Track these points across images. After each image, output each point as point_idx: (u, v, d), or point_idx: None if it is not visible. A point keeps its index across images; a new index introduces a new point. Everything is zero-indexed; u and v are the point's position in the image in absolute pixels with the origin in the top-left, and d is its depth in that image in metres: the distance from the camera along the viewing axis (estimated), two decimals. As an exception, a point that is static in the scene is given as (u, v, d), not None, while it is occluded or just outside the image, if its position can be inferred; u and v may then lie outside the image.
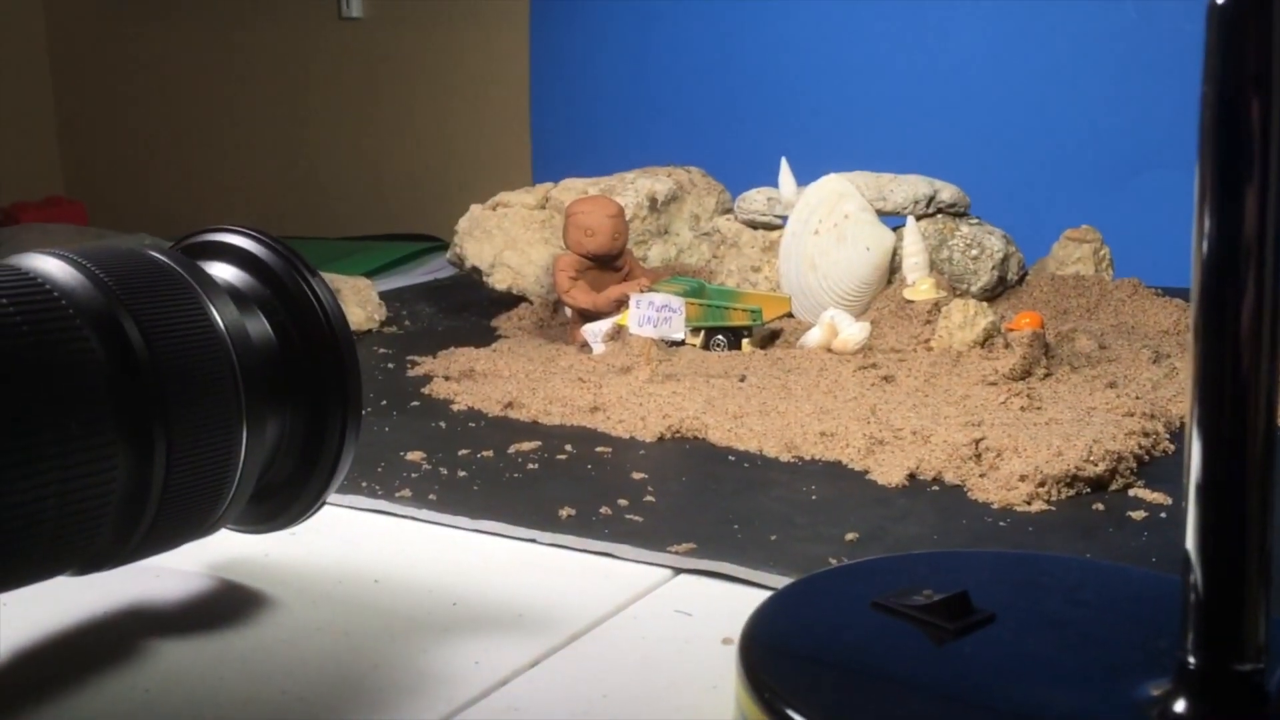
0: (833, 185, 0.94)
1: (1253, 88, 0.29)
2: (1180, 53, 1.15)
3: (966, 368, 0.78)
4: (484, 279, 1.03)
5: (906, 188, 0.96)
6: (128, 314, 0.37)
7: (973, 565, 0.41)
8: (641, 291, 0.85)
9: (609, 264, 0.91)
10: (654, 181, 1.05)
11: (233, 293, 0.43)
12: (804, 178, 0.96)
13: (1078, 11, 1.20)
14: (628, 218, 1.00)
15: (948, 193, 0.97)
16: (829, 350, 0.83)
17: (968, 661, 0.34)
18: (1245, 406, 0.30)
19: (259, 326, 0.43)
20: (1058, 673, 0.33)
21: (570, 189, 1.05)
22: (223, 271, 0.45)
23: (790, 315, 0.92)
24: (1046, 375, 0.77)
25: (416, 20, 1.68)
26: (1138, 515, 0.54)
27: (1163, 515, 0.55)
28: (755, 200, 0.98)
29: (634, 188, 1.04)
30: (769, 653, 0.35)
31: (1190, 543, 0.31)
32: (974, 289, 0.95)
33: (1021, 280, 0.98)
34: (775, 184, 0.97)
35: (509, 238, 1.03)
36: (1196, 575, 0.30)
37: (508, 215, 1.04)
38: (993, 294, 0.96)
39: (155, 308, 0.38)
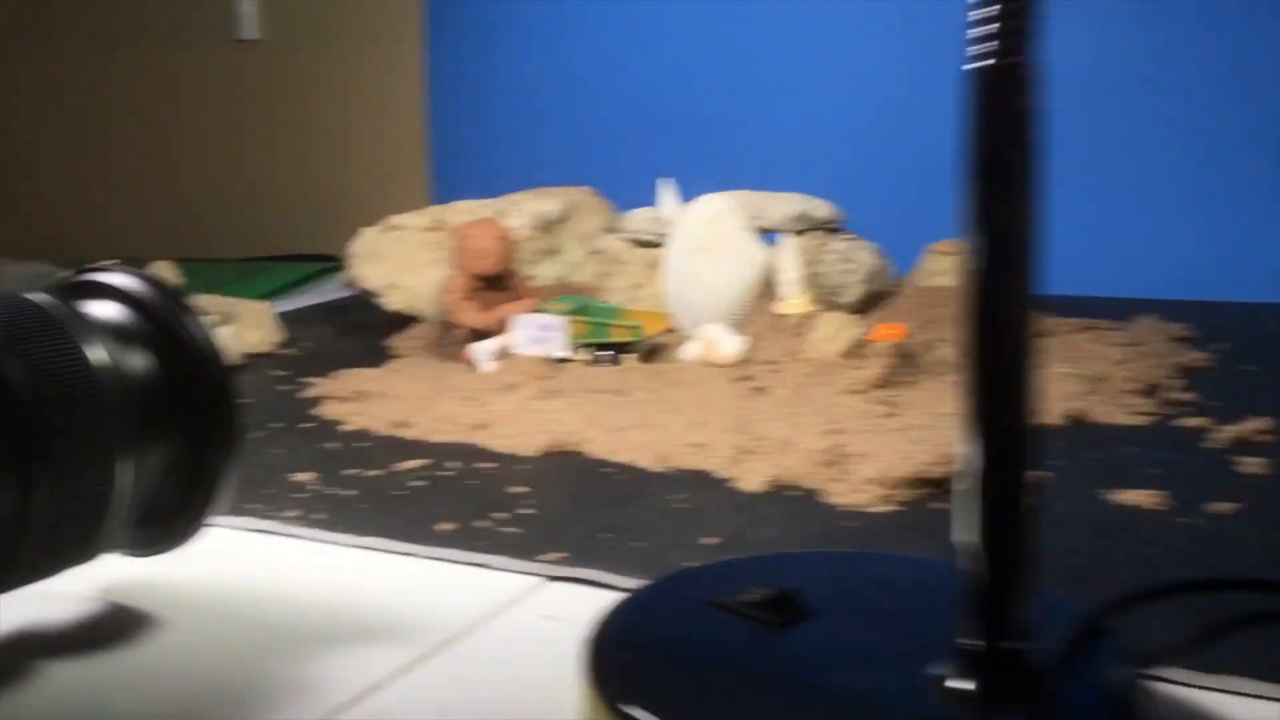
0: (713, 204, 0.98)
1: (1003, 143, 0.33)
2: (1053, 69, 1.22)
3: (834, 377, 0.82)
4: (378, 300, 1.05)
5: (783, 206, 1.01)
6: (13, 356, 0.39)
7: (805, 565, 0.45)
8: (527, 311, 0.89)
9: (498, 284, 0.94)
10: (543, 203, 1.09)
11: (114, 330, 0.45)
12: (688, 196, 1.00)
13: (946, 34, 1.25)
14: (518, 238, 1.03)
15: (822, 210, 1.02)
16: (707, 363, 0.87)
17: (786, 651, 0.37)
18: (1008, 416, 0.34)
19: (139, 362, 0.45)
20: (863, 658, 0.37)
21: (461, 211, 1.08)
22: (105, 309, 0.47)
23: (672, 330, 0.96)
24: (908, 383, 0.82)
25: (313, 42, 1.69)
26: (975, 513, 0.59)
27: (997, 512, 0.59)
28: (639, 220, 1.02)
29: (524, 209, 1.07)
30: (609, 649, 0.38)
31: (959, 535, 0.35)
32: (847, 300, 1.00)
33: (893, 292, 1.03)
34: (670, 201, 1.01)
35: (402, 259, 1.05)
36: (967, 565, 0.34)
37: (400, 237, 1.07)
38: (866, 305, 1.01)
39: (37, 349, 0.40)
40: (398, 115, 1.62)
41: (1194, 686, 0.40)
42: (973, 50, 0.33)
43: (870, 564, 0.44)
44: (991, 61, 0.32)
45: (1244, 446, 0.68)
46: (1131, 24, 1.18)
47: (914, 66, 1.28)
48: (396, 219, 1.09)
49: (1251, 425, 0.70)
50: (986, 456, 0.34)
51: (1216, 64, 1.15)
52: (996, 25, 0.32)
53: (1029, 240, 0.34)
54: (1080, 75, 1.18)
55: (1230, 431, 0.70)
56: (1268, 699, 0.40)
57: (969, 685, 0.34)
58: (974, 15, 0.33)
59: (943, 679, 0.34)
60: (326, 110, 1.71)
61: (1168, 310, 1.02)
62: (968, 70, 0.33)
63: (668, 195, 1.01)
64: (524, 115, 1.49)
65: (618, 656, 0.38)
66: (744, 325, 0.94)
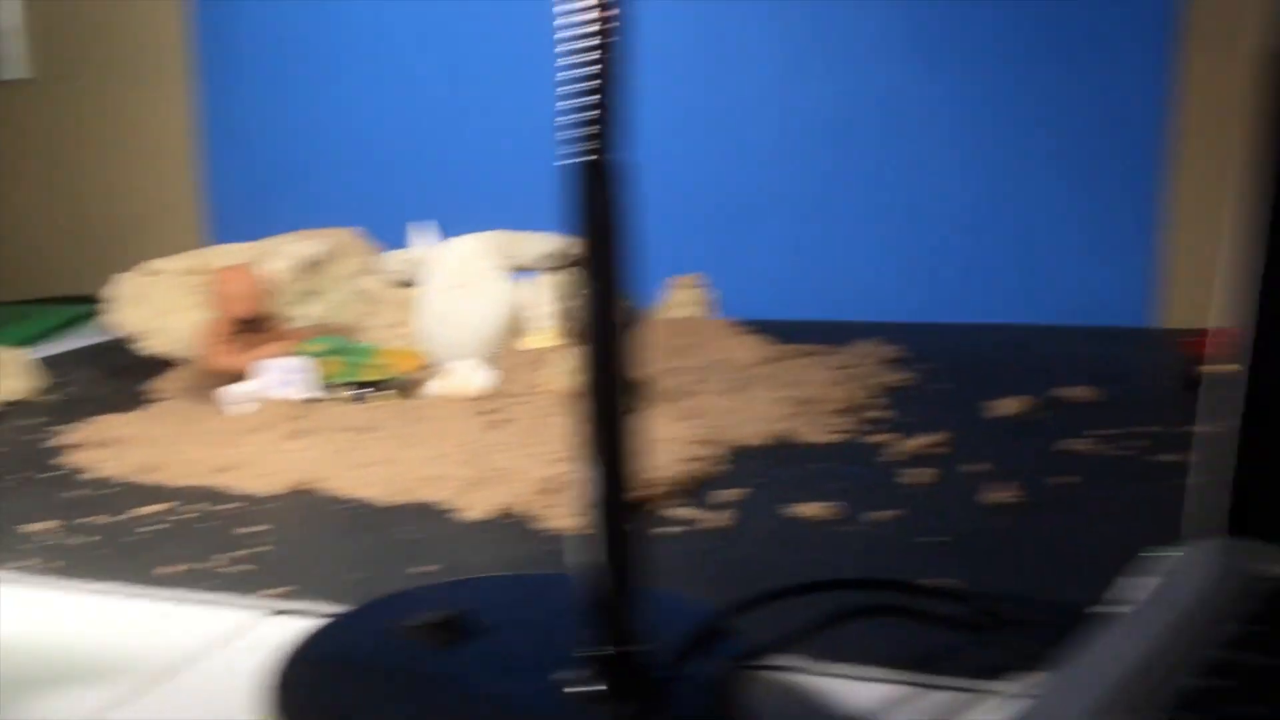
0: (466, 244, 1.03)
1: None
2: (781, 116, 1.32)
3: (571, 408, 0.88)
4: (138, 344, 1.06)
5: (536, 244, 1.06)
6: None
7: (486, 588, 0.50)
8: (282, 354, 0.92)
9: (255, 327, 0.97)
10: (306, 245, 1.12)
11: None
12: (453, 234, 1.05)
13: (683, 84, 1.34)
14: (278, 281, 1.06)
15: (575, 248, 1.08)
16: (455, 398, 0.92)
17: (448, 667, 0.43)
18: (613, 450, 0.40)
19: None
20: (512, 669, 0.42)
21: (223, 254, 1.10)
22: None
23: (426, 366, 1.00)
24: (640, 411, 0.88)
25: (82, 83, 1.67)
26: (675, 530, 0.65)
27: (694, 528, 0.66)
28: (395, 261, 1.06)
29: (286, 251, 1.10)
30: (293, 673, 0.42)
31: (574, 555, 0.41)
32: (596, 333, 1.06)
33: (640, 324, 1.10)
34: (425, 243, 1.05)
35: (162, 303, 1.07)
36: (584, 582, 0.40)
37: (160, 281, 1.08)
38: (614, 336, 1.07)
39: None
40: (169, 156, 1.62)
41: (806, 673, 0.47)
42: (569, 148, 0.39)
43: (541, 585, 0.50)
44: (585, 158, 0.38)
45: (916, 459, 0.77)
46: (859, 74, 1.28)
47: (657, 108, 1.36)
48: (157, 263, 1.10)
49: (926, 440, 0.79)
50: (598, 484, 0.40)
51: (921, 108, 1.26)
52: (585, 126, 0.38)
53: (622, 302, 0.40)
54: (814, 116, 1.28)
55: (908, 445, 0.79)
56: (869, 680, 0.47)
57: (591, 688, 0.39)
58: (563, 117, 0.39)
59: (571, 682, 0.40)
60: (96, 150, 1.68)
61: (890, 333, 1.12)
62: (566, 166, 0.39)
63: (422, 237, 1.05)
64: (298, 157, 1.51)
65: (297, 681, 0.42)
66: (494, 360, 0.99)
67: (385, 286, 1.07)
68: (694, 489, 0.72)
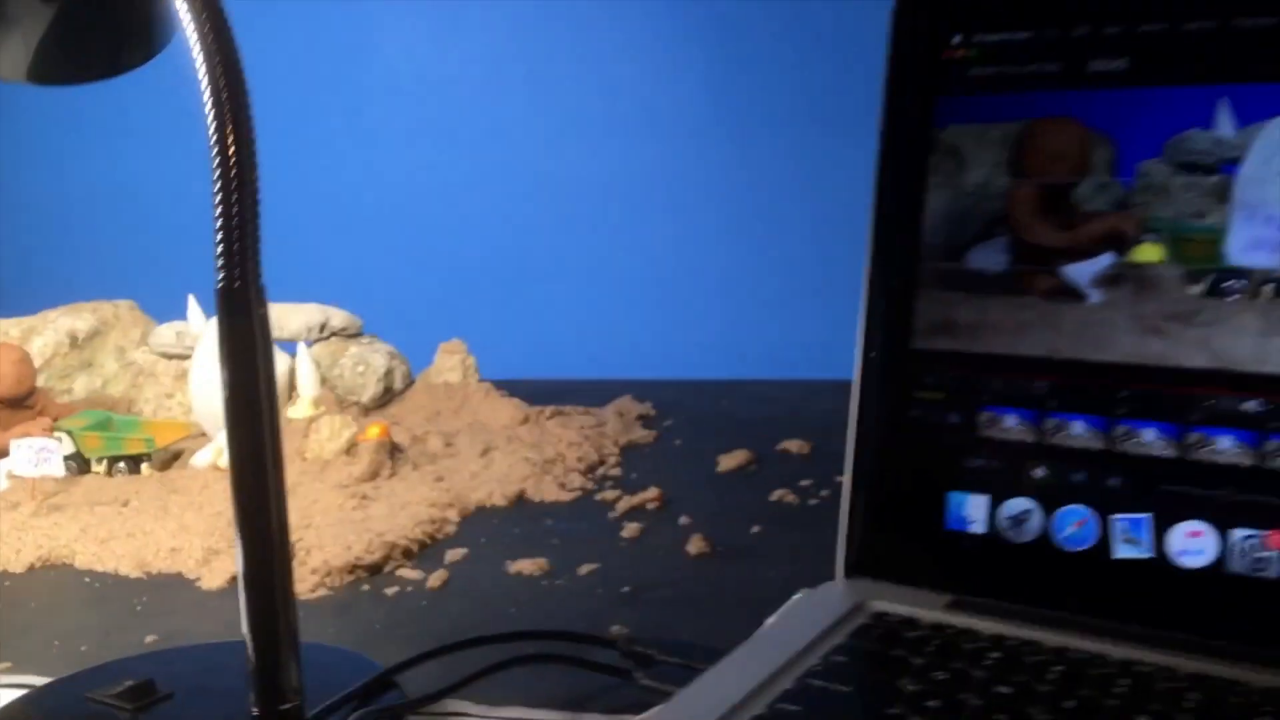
0: (231, 319, 1.07)
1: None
2: (552, 177, 1.40)
3: (330, 474, 0.93)
4: (-97, 422, 1.07)
5: (302, 316, 1.11)
6: None
7: (183, 656, 0.55)
8: (45, 430, 0.94)
9: (20, 404, 0.99)
10: (76, 319, 1.14)
11: None
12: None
13: (458, 149, 1.41)
14: (48, 355, 1.08)
15: (339, 318, 1.13)
16: (217, 468, 0.96)
17: (130, 730, 0.47)
18: (261, 525, 0.45)
19: None
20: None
21: (-9, 331, 1.11)
22: None
23: (194, 437, 1.04)
24: (392, 475, 0.93)
25: None
26: (391, 591, 0.71)
27: (410, 589, 0.71)
28: (166, 335, 1.10)
29: (55, 325, 1.12)
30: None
31: (243, 624, 0.46)
32: (364, 400, 1.11)
33: (408, 389, 1.16)
34: (197, 315, 1.08)
35: (-71, 381, 1.07)
36: (248, 647, 0.46)
37: (-73, 359, 1.08)
38: (382, 402, 1.12)
39: None
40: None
41: (470, 717, 0.53)
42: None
43: (224, 651, 0.55)
44: (226, 283, 0.44)
45: (634, 514, 0.84)
46: (610, 147, 1.37)
47: (433, 180, 1.42)
48: (-77, 340, 1.10)
49: (647, 495, 0.86)
50: (246, 558, 0.45)
51: (670, 181, 1.35)
52: (224, 249, 0.44)
53: (269, 412, 0.45)
54: (569, 188, 1.37)
55: (629, 501, 0.86)
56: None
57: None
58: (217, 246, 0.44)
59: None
60: None
61: (642, 389, 1.20)
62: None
63: (194, 310, 1.08)
64: (68, 226, 1.53)
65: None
66: (259, 429, 1.03)
67: (158, 358, 1.10)
68: (423, 550, 0.78)
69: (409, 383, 1.16)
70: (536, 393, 1.18)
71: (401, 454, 0.96)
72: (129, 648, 0.63)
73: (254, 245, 0.44)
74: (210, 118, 0.43)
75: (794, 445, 0.99)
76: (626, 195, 1.36)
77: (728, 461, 0.96)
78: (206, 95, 0.44)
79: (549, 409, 1.11)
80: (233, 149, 0.43)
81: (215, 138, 0.43)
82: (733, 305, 1.34)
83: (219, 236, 0.44)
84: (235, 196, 0.43)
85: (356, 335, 1.14)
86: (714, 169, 1.33)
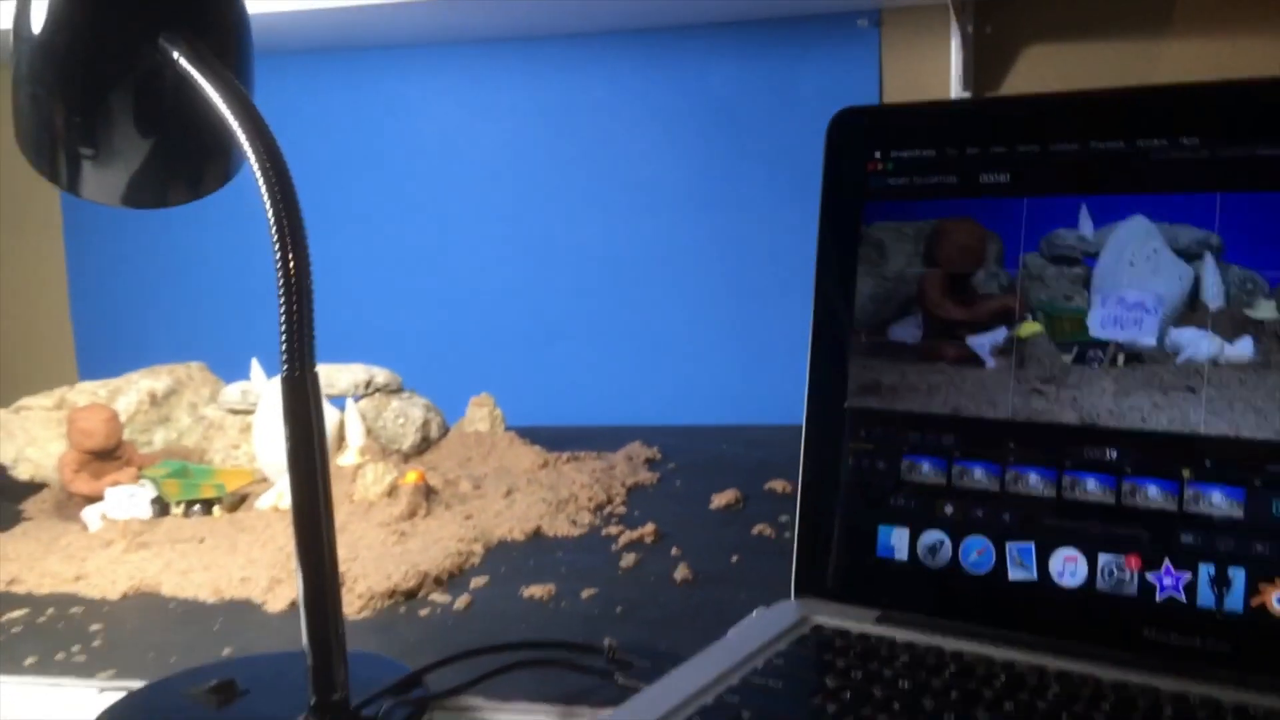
0: (289, 379, 1.20)
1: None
2: (571, 246, 1.52)
3: (374, 514, 1.05)
4: (9, 472, 1.20)
5: (348, 375, 1.23)
6: None
7: (256, 662, 0.66)
8: (130, 479, 1.07)
9: (108, 455, 1.12)
10: (155, 380, 1.27)
11: None
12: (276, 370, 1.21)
13: (477, 223, 1.55)
14: (131, 412, 1.21)
15: (382, 376, 1.25)
16: (278, 510, 1.08)
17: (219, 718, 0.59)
18: (317, 557, 0.57)
19: None
20: (265, 718, 0.59)
21: (83, 391, 1.24)
22: None
23: (257, 483, 1.16)
24: (427, 514, 1.05)
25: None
26: (424, 613, 0.82)
27: (440, 611, 0.83)
28: (232, 393, 1.22)
29: (136, 387, 1.25)
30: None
31: (303, 636, 0.57)
32: (404, 448, 1.23)
33: (443, 437, 1.28)
34: (260, 375, 1.21)
35: (30, 435, 1.20)
36: (307, 653, 0.57)
37: (29, 416, 1.22)
38: (420, 450, 1.24)
39: None
40: (41, 298, 1.76)
41: (483, 710, 0.64)
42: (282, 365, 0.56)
43: (295, 659, 0.66)
44: (289, 373, 0.56)
45: (632, 546, 0.95)
46: (644, 216, 1.49)
47: (463, 251, 1.55)
48: (25, 400, 1.24)
49: (645, 530, 0.97)
50: (305, 583, 0.57)
51: (673, 248, 1.48)
52: (288, 347, 0.56)
53: (321, 467, 0.57)
54: (584, 258, 1.49)
55: (630, 536, 0.97)
56: (531, 714, 0.64)
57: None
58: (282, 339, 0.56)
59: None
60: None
61: (651, 435, 1.31)
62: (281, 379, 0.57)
63: (257, 371, 1.21)
64: (153, 301, 1.67)
65: (107, 731, 0.58)
66: (314, 475, 1.15)
67: (225, 414, 1.23)
68: (452, 578, 0.89)
69: (444, 432, 1.28)
70: (557, 438, 1.30)
71: (436, 495, 1.08)
72: (210, 658, 0.75)
73: (310, 343, 0.56)
74: (274, 242, 0.55)
75: (779, 485, 1.10)
76: (636, 263, 1.48)
77: (719, 500, 1.07)
78: (271, 222, 0.56)
79: (566, 454, 1.22)
80: (293, 267, 0.55)
81: (279, 259, 0.55)
82: (731, 359, 1.45)
83: (283, 336, 0.56)
84: (295, 305, 0.55)
85: (398, 391, 1.26)
86: (714, 241, 1.45)
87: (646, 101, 1.45)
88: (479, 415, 1.27)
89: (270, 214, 0.56)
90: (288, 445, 0.56)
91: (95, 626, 0.83)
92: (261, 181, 0.56)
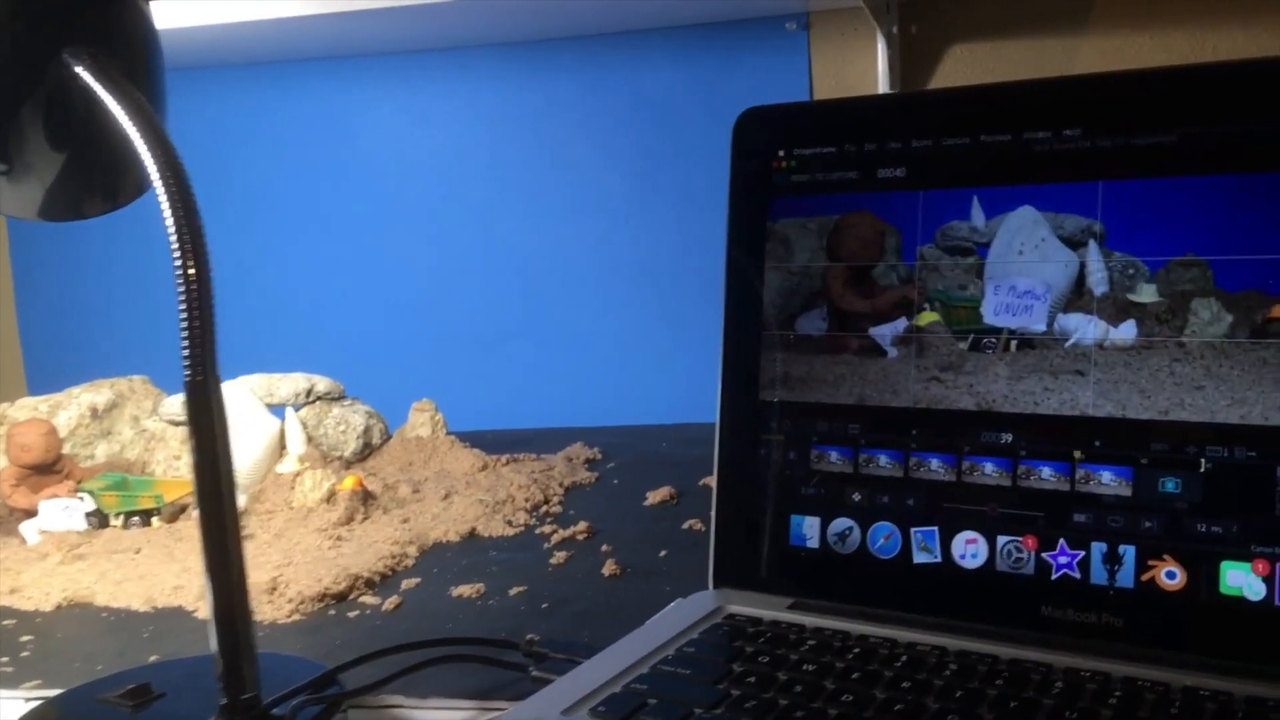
0: (231, 388, 1.20)
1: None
2: (511, 251, 1.53)
3: (312, 519, 1.05)
4: (-51, 488, 1.19)
5: (289, 384, 1.23)
6: None
7: (176, 666, 0.67)
8: (70, 491, 1.07)
9: (48, 470, 1.12)
10: (95, 395, 1.26)
11: None
12: (223, 377, 1.21)
13: (421, 231, 1.55)
14: (72, 426, 1.20)
15: (323, 384, 1.25)
16: (216, 518, 1.08)
17: (128, 720, 0.59)
18: (224, 566, 0.57)
19: None
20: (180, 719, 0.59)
21: (23, 407, 1.24)
22: None
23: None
24: (365, 519, 1.05)
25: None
26: (353, 615, 0.83)
27: (369, 612, 0.83)
28: (173, 405, 1.22)
29: (77, 401, 1.25)
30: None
31: (211, 641, 0.58)
32: (346, 454, 1.23)
33: (385, 443, 1.28)
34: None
35: (-30, 452, 1.20)
36: (216, 656, 0.58)
37: (-32, 433, 1.21)
38: (362, 456, 1.25)
39: None
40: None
41: (401, 707, 0.65)
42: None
43: (212, 662, 0.67)
44: (191, 381, 0.56)
45: (564, 544, 0.96)
46: (581, 221, 1.50)
47: (403, 259, 1.56)
48: (-35, 417, 1.23)
49: (577, 529, 0.98)
50: (213, 591, 0.57)
51: (607, 254, 1.49)
52: (190, 355, 0.56)
53: (226, 474, 0.57)
54: (548, 262, 1.50)
55: (562, 534, 0.98)
56: (447, 709, 0.65)
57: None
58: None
59: (207, 721, 0.57)
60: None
61: (593, 436, 1.32)
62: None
63: (197, 382, 1.21)
64: (96, 316, 1.67)
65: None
66: (254, 484, 1.15)
67: (166, 425, 1.22)
68: (384, 580, 0.90)
69: (386, 438, 1.28)
70: (499, 442, 1.30)
71: (374, 500, 1.08)
72: (134, 663, 0.75)
73: (212, 352, 0.57)
74: (174, 251, 0.56)
75: (712, 480, 1.11)
76: (575, 267, 1.49)
77: (654, 497, 1.08)
78: (170, 230, 0.56)
79: (505, 457, 1.23)
80: (194, 274, 0.56)
81: (179, 268, 0.56)
82: (672, 358, 1.46)
83: (185, 345, 0.56)
84: (197, 313, 0.56)
85: (339, 398, 1.26)
86: (652, 243, 1.46)
87: (580, 107, 1.46)
88: (420, 421, 1.28)
89: (170, 223, 0.56)
90: (192, 454, 0.57)
91: (26, 638, 0.83)
92: (161, 190, 0.57)
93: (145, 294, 1.65)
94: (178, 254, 0.55)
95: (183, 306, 0.55)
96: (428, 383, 1.41)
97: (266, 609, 0.84)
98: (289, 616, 0.83)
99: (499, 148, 1.50)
